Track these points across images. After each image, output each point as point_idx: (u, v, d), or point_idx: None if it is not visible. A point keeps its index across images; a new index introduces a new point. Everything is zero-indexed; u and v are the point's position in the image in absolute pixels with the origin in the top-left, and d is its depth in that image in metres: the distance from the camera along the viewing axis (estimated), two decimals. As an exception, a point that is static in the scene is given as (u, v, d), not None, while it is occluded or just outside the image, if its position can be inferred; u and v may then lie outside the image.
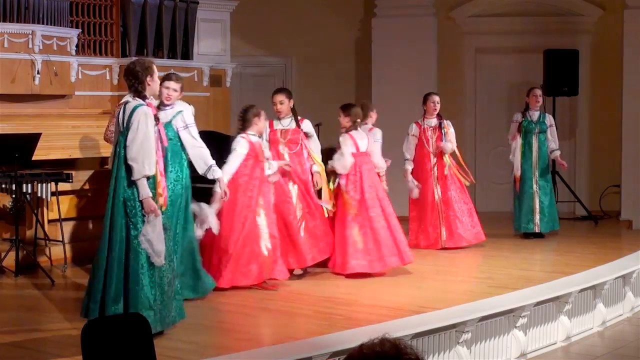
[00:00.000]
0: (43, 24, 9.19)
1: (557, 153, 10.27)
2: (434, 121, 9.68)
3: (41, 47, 9.16)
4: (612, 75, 11.85)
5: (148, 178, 5.71)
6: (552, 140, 10.29)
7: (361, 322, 6.12)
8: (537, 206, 10.04)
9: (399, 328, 5.82)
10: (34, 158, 8.13)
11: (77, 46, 9.75)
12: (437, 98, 9.73)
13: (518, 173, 10.06)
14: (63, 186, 8.53)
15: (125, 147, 5.74)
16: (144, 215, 5.72)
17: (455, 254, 9.20)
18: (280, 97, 8.06)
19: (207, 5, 11.15)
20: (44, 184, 8.23)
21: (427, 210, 9.51)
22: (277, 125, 8.11)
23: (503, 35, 12.51)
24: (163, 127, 6.13)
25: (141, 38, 10.41)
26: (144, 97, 5.87)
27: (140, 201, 5.70)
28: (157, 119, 5.88)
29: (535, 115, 10.20)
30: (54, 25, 9.32)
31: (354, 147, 8.14)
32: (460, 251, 9.35)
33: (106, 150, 8.91)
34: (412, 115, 10.11)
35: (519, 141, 10.09)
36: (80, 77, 9.75)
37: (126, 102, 5.90)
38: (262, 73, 12.95)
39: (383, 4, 12.52)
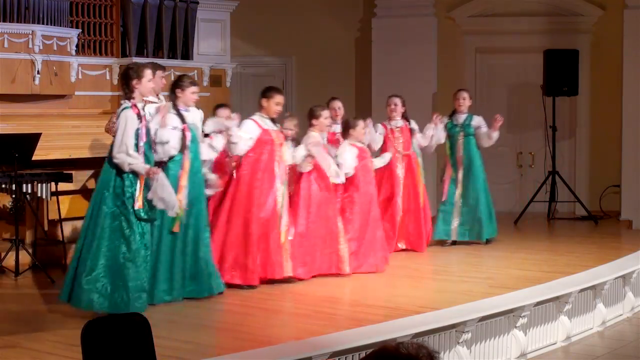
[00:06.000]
0: (43, 24, 9.19)
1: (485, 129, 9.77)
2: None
3: (41, 47, 9.16)
4: (612, 75, 11.85)
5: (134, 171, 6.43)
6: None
7: (361, 322, 6.12)
8: (457, 213, 9.62)
9: (399, 328, 5.83)
10: (34, 158, 8.12)
11: (77, 46, 9.75)
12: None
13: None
14: (63, 186, 8.53)
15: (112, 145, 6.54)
16: (133, 209, 6.37)
17: (455, 254, 9.20)
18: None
19: (207, 5, 11.16)
20: (44, 184, 8.23)
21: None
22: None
23: (503, 35, 12.51)
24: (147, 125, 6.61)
25: (141, 38, 10.42)
26: (129, 99, 6.52)
27: (145, 178, 6.40)
28: (140, 117, 6.46)
29: (461, 118, 9.74)
30: (54, 25, 9.33)
31: None
32: (460, 251, 9.34)
33: (106, 150, 8.90)
34: (412, 115, 10.10)
35: (433, 139, 9.60)
36: (80, 77, 9.76)
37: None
38: (262, 73, 12.95)
39: (383, 4, 12.52)
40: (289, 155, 7.75)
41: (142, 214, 6.42)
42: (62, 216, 8.47)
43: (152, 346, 3.83)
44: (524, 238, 10.28)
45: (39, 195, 8.27)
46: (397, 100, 9.39)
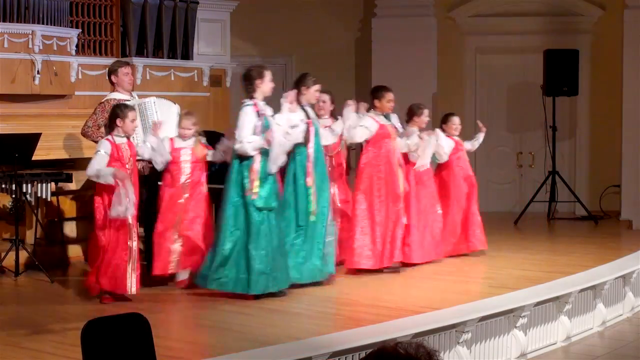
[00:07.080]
0: (43, 24, 9.18)
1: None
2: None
3: (41, 47, 9.15)
4: (612, 75, 11.85)
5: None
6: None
7: (361, 322, 6.12)
8: None
9: (399, 328, 5.83)
10: (34, 158, 8.12)
11: (77, 46, 9.74)
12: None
13: None
14: (63, 186, 8.53)
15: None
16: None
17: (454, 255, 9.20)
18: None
19: (207, 5, 11.15)
20: (44, 184, 8.23)
21: None
22: None
23: (503, 35, 12.51)
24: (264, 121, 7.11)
25: (141, 38, 10.42)
26: (251, 97, 7.12)
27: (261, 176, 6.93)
28: (260, 114, 7.02)
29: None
30: (54, 25, 9.32)
31: None
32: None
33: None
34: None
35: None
36: (80, 77, 9.74)
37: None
38: (262, 73, 12.92)
39: (383, 4, 12.52)
40: (403, 145, 8.33)
41: (260, 203, 6.89)
42: (62, 216, 8.47)
43: (152, 346, 3.83)
44: (524, 238, 10.28)
45: (39, 195, 8.27)
46: (326, 97, 8.33)
